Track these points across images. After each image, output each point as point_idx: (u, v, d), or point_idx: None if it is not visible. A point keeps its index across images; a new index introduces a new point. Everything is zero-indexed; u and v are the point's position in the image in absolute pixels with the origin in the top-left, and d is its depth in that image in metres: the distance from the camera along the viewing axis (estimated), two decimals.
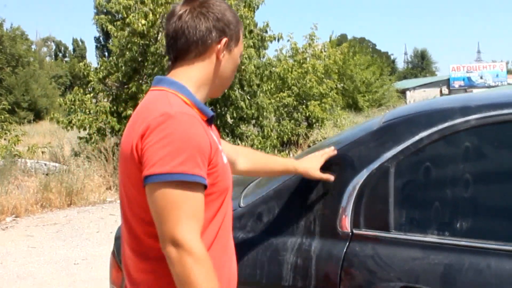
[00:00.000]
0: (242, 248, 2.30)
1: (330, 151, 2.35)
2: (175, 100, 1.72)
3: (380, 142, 2.29)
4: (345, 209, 2.23)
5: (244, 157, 2.33)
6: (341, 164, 2.34)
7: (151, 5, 12.72)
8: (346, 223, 2.22)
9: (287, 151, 15.23)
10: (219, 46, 1.82)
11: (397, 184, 2.21)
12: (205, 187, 1.66)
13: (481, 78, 55.95)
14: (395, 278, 2.08)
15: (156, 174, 1.58)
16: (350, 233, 2.21)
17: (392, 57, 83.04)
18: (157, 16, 12.77)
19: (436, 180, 2.24)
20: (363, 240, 2.19)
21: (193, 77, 1.82)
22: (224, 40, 1.82)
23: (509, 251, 2.03)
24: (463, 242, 2.09)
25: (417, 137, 2.22)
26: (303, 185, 2.36)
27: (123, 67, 13.34)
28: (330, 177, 2.28)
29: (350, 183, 2.25)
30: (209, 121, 1.83)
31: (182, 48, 1.81)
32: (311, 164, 2.30)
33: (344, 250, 2.18)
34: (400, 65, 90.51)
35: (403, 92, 53.01)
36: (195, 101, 1.77)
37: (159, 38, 12.98)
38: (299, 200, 2.34)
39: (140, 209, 1.70)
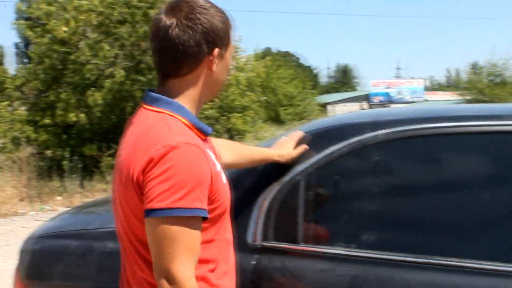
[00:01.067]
0: None
1: (298, 134, 2.38)
2: (176, 125, 1.65)
3: None
4: (255, 222, 2.24)
5: (226, 149, 2.26)
6: (252, 177, 2.35)
7: (73, 12, 12.44)
8: (255, 236, 2.22)
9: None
10: (211, 57, 1.72)
11: (307, 197, 2.23)
12: (204, 218, 1.64)
13: (399, 94, 57.69)
14: None
15: (155, 209, 1.56)
16: (260, 246, 2.21)
17: (315, 71, 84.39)
18: (79, 23, 12.50)
19: (345, 193, 2.28)
20: (272, 252, 2.19)
21: (188, 93, 1.74)
22: (216, 50, 1.72)
23: (411, 262, 2.09)
24: (369, 254, 2.13)
25: (327, 151, 2.25)
26: None
27: (42, 75, 12.96)
28: (305, 147, 2.29)
29: (260, 196, 2.26)
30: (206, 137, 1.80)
31: (172, 65, 1.71)
32: (286, 149, 2.31)
33: (254, 263, 2.18)
34: (323, 79, 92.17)
35: (325, 106, 53.97)
36: (194, 122, 1.71)
37: (80, 45, 12.70)
38: None
39: (143, 236, 1.66)
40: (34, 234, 2.81)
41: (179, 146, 1.57)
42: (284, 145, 2.34)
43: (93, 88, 12.33)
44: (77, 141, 12.96)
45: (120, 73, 12.20)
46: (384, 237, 2.22)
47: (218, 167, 1.76)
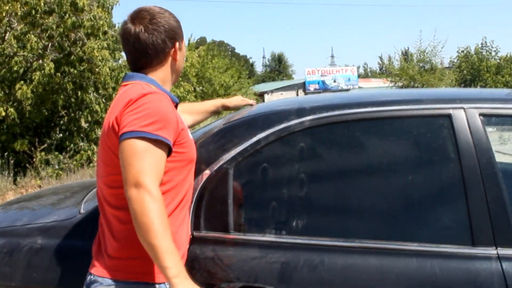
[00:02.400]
0: (83, 256, 2.21)
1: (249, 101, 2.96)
2: (149, 87, 2.06)
3: (220, 144, 2.32)
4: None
5: (185, 112, 2.70)
6: None
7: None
8: (189, 226, 2.20)
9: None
10: (174, 50, 2.19)
11: (236, 186, 2.24)
12: (169, 148, 1.97)
13: (335, 81, 58.42)
14: (235, 278, 2.12)
15: (126, 132, 1.90)
16: (191, 236, 2.20)
17: (250, 61, 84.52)
18: (4, 14, 12.09)
19: (273, 180, 2.30)
20: (203, 242, 2.20)
21: (158, 77, 2.17)
22: (177, 44, 2.20)
23: (341, 246, 2.14)
24: (299, 240, 2.17)
25: (254, 139, 2.27)
26: None
27: None
28: (252, 101, 2.94)
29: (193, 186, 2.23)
30: (176, 107, 2.17)
31: (145, 61, 2.15)
32: (235, 99, 2.97)
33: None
34: (259, 68, 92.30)
35: (261, 95, 54.15)
36: (164, 90, 2.12)
37: (6, 37, 12.31)
38: None
39: (118, 168, 1.96)
40: None
41: (151, 93, 2.00)
42: (235, 97, 2.97)
43: (22, 82, 11.98)
44: (8, 137, 12.57)
45: (49, 65, 11.88)
46: (313, 222, 2.25)
47: (184, 125, 2.13)
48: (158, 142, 1.92)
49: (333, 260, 2.11)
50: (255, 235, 2.20)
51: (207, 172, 2.26)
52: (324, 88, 57.62)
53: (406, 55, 40.24)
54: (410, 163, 2.35)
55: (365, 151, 2.39)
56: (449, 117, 2.27)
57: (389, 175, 2.31)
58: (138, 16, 2.16)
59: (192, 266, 2.15)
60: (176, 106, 2.18)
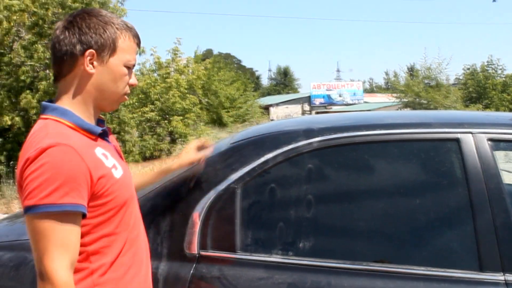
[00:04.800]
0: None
1: (201, 141, 2.46)
2: (55, 129, 1.75)
3: (228, 164, 2.32)
4: (192, 231, 2.22)
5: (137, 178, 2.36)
6: (189, 186, 2.33)
7: (5, 12, 12.11)
8: (193, 245, 2.21)
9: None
10: (84, 58, 1.81)
11: (243, 206, 2.24)
12: (82, 214, 1.70)
13: (340, 96, 58.47)
14: None
15: (27, 207, 1.65)
16: (197, 255, 2.20)
17: (256, 74, 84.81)
18: (12, 24, 12.18)
19: (280, 201, 2.30)
20: (210, 261, 2.19)
21: (71, 94, 1.84)
22: (88, 52, 1.81)
23: (347, 269, 2.13)
24: (306, 261, 2.16)
25: (262, 159, 2.27)
26: (152, 207, 2.34)
27: None
28: (204, 154, 2.36)
29: (197, 205, 2.25)
30: (103, 135, 1.88)
31: (55, 64, 1.85)
32: (186, 155, 2.37)
33: (191, 272, 2.17)
34: (264, 81, 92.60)
35: (266, 108, 54.21)
36: (79, 123, 1.80)
37: (14, 47, 12.38)
38: (147, 222, 2.24)
39: None
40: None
41: (50, 146, 1.66)
42: (184, 153, 2.40)
43: (28, 91, 12.03)
44: (14, 145, 12.62)
45: None
46: (320, 244, 2.24)
47: (110, 163, 1.83)
48: (65, 214, 1.65)
49: (340, 282, 2.10)
50: (261, 255, 2.19)
51: (214, 191, 2.26)
52: (329, 102, 57.72)
53: (411, 71, 40.24)
54: (417, 186, 2.35)
55: (373, 174, 2.39)
56: (457, 141, 2.27)
57: (396, 198, 2.31)
58: (68, 16, 1.89)
59: (198, 285, 2.15)
60: (104, 134, 1.89)
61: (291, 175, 2.33)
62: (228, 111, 40.28)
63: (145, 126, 16.43)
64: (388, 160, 2.39)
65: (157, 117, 16.47)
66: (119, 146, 2.06)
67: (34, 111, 11.93)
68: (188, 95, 17.45)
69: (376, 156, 2.38)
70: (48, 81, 11.94)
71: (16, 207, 10.55)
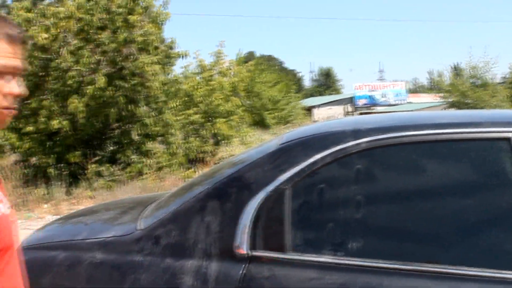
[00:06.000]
0: (140, 272, 2.28)
1: None
2: None
3: (276, 164, 2.33)
4: (242, 231, 2.24)
5: None
6: (239, 186, 2.36)
7: (53, 18, 12.40)
8: (243, 245, 2.23)
9: (193, 169, 15.13)
10: None
11: (293, 206, 2.24)
12: None
13: (384, 96, 57.96)
14: None
15: None
16: (247, 255, 2.22)
17: (299, 75, 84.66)
18: (59, 30, 12.45)
19: (329, 201, 2.30)
20: (260, 262, 2.20)
21: None
22: None
23: (400, 269, 2.11)
24: (356, 261, 2.15)
25: (311, 160, 2.28)
26: (202, 207, 2.36)
27: (26, 82, 12.88)
28: None
29: (247, 206, 2.27)
30: None
31: None
32: None
33: (241, 272, 2.18)
34: (307, 83, 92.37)
35: (309, 109, 54.07)
36: None
37: (61, 52, 12.65)
38: (197, 223, 2.33)
39: None
40: (22, 244, 2.77)
41: None
42: None
43: (75, 95, 12.28)
44: (62, 148, 12.90)
45: (102, 80, 12.16)
46: (371, 244, 2.23)
47: None
48: None
49: (391, 283, 2.08)
50: (312, 255, 2.19)
51: (263, 192, 2.27)
52: (373, 103, 57.29)
53: (456, 70, 39.61)
54: (468, 186, 2.32)
55: (422, 174, 2.37)
56: (508, 140, 2.24)
57: (446, 198, 2.29)
58: None
59: (248, 285, 2.16)
60: None
61: (340, 176, 2.34)
62: (271, 113, 40.30)
63: (189, 128, 16.56)
64: (438, 160, 2.36)
65: (201, 120, 16.57)
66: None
67: (81, 115, 12.17)
68: (231, 97, 17.53)
69: (425, 156, 2.36)
70: (94, 85, 12.17)
71: (65, 208, 10.78)
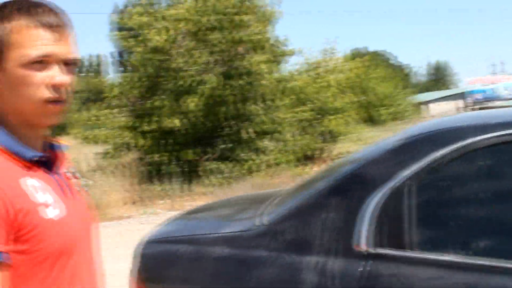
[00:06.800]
0: (263, 266, 2.32)
1: None
2: None
3: (398, 160, 2.28)
4: (362, 228, 2.21)
5: None
6: (359, 182, 2.34)
7: (167, 22, 12.82)
8: (363, 242, 2.20)
9: (306, 166, 15.11)
10: None
11: (415, 203, 2.18)
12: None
13: (506, 90, 55.53)
14: None
15: None
16: (368, 252, 2.18)
17: (413, 70, 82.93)
18: (172, 32, 12.86)
19: (454, 198, 2.23)
20: (381, 258, 2.17)
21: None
22: None
23: None
24: (483, 262, 2.05)
25: (436, 155, 2.20)
26: (323, 204, 2.35)
27: (139, 83, 13.44)
28: None
29: (368, 202, 2.23)
30: (44, 164, 1.47)
31: None
32: None
33: (361, 269, 2.16)
34: (421, 77, 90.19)
35: (424, 104, 52.81)
36: (7, 144, 1.39)
37: (174, 53, 13.06)
38: (318, 219, 2.32)
39: None
40: (146, 239, 2.92)
41: None
42: None
43: (189, 95, 12.63)
44: (175, 147, 13.31)
45: (212, 79, 12.43)
46: (498, 244, 2.14)
47: (42, 198, 1.40)
48: None
49: None
50: (434, 254, 2.12)
51: (385, 188, 2.22)
52: (489, 97, 54.89)
53: None
54: None
55: None
56: None
57: None
58: None
59: (368, 282, 2.13)
60: (35, 161, 1.43)
61: (465, 172, 2.25)
62: (386, 109, 39.72)
63: (300, 125, 16.56)
64: None
65: (312, 117, 16.53)
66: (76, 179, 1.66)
67: (193, 114, 12.49)
68: (343, 94, 17.38)
69: None
70: (208, 85, 12.46)
71: (179, 204, 11.12)
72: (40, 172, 1.43)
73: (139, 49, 13.18)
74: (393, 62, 74.87)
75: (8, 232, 1.28)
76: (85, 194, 1.68)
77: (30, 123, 1.44)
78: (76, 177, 1.65)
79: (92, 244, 1.59)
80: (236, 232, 2.59)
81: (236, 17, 12.71)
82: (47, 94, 1.39)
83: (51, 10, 1.41)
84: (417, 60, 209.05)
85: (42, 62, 1.36)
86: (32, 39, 1.36)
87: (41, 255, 1.36)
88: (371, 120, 37.17)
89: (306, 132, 16.54)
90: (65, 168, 1.59)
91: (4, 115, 1.41)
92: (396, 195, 2.20)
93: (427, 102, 55.21)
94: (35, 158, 1.42)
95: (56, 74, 1.39)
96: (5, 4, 1.39)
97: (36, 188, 1.38)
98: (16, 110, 1.40)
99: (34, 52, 1.36)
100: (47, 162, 1.47)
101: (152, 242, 2.86)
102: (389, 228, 2.19)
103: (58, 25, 1.40)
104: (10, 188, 1.31)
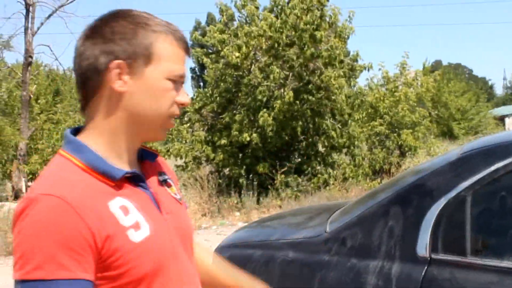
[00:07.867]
0: (327, 270, 2.51)
1: None
2: (58, 171, 1.34)
3: (457, 173, 2.41)
4: (423, 235, 2.35)
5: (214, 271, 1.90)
6: (420, 192, 2.48)
7: (244, 38, 13.19)
8: (424, 248, 2.33)
9: (379, 180, 15.11)
10: (110, 70, 1.35)
11: (473, 212, 2.31)
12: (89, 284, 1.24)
13: None
14: None
15: (16, 281, 1.24)
16: (429, 258, 2.32)
17: (490, 83, 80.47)
18: (250, 48, 13.22)
19: (510, 208, 2.35)
20: (441, 264, 2.29)
21: (97, 123, 1.39)
22: (115, 63, 1.34)
23: None
24: None
25: (492, 168, 2.32)
26: (385, 212, 2.52)
27: (218, 98, 13.89)
28: None
29: (428, 211, 2.37)
30: (132, 179, 1.41)
31: (78, 87, 1.42)
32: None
33: (423, 273, 2.29)
34: (499, 90, 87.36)
35: (501, 119, 51.13)
36: (94, 164, 1.34)
37: (252, 69, 13.42)
38: (380, 226, 2.49)
39: None
40: (223, 243, 3.18)
41: (37, 199, 1.24)
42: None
43: (265, 109, 12.93)
44: (252, 160, 13.61)
45: (289, 94, 12.70)
46: None
47: (131, 220, 1.34)
48: None
49: None
50: (492, 260, 2.24)
51: (445, 198, 2.36)
52: None
53: None
54: None
55: None
56: None
57: None
58: (93, 22, 1.43)
59: (429, 286, 2.26)
60: (133, 179, 1.40)
61: None
62: (460, 123, 38.82)
63: (374, 139, 16.58)
64: None
65: (386, 131, 16.52)
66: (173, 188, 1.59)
67: (270, 128, 12.78)
68: (417, 108, 17.26)
69: None
70: (282, 99, 12.75)
71: (255, 216, 11.36)
72: (130, 188, 1.39)
73: (219, 65, 13.62)
74: (474, 75, 72.95)
75: (96, 261, 1.25)
76: (184, 200, 1.65)
77: (145, 136, 1.45)
78: (175, 184, 1.61)
79: (190, 253, 1.56)
80: (303, 238, 2.78)
81: (316, 33, 12.95)
82: (174, 110, 1.42)
83: (183, 35, 1.46)
84: (492, 73, 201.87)
85: (175, 81, 1.40)
86: (178, 57, 1.41)
87: (130, 281, 1.31)
88: (449, 134, 36.41)
89: (380, 146, 16.56)
90: (163, 175, 1.57)
91: (110, 128, 1.38)
92: (455, 205, 2.33)
93: (508, 116, 53.36)
94: (120, 176, 1.36)
95: (185, 95, 1.44)
96: (147, 17, 1.40)
97: (126, 208, 1.34)
98: (143, 119, 1.39)
99: (180, 69, 1.41)
100: (137, 178, 1.42)
101: (229, 246, 3.11)
102: (448, 235, 2.32)
103: (187, 48, 1.46)
104: (98, 213, 1.27)
